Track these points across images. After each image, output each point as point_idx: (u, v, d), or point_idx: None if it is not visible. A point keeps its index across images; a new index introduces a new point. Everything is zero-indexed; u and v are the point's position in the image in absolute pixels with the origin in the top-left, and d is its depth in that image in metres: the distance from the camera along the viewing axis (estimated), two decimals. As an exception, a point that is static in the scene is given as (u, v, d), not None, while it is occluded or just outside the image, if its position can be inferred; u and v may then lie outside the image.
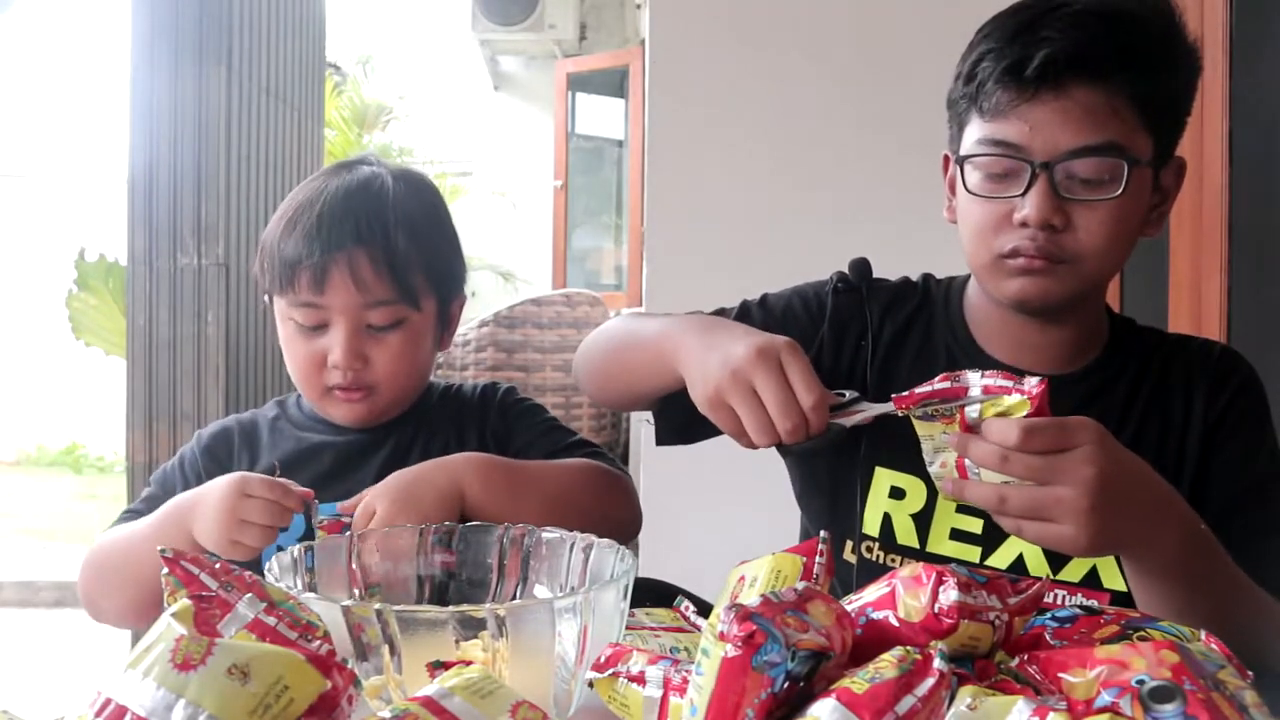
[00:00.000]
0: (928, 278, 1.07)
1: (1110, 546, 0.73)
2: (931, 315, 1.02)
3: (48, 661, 3.45)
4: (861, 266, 1.04)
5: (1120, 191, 0.84)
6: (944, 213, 0.99)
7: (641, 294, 2.43)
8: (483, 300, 5.21)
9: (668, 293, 2.13)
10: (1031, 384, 0.70)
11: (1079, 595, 0.90)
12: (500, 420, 1.12)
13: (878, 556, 0.95)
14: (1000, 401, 0.70)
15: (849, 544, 0.97)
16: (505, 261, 6.00)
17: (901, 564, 0.93)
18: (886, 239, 2.08)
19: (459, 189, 6.03)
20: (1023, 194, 0.85)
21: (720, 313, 1.07)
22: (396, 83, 6.57)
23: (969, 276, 1.02)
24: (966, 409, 0.72)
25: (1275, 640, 0.79)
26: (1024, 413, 0.69)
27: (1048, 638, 0.59)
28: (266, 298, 1.10)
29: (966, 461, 0.72)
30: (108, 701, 0.48)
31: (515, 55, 6.13)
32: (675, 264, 2.11)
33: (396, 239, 1.01)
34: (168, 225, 2.20)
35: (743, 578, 0.69)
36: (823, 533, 0.68)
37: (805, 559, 0.66)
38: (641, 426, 2.25)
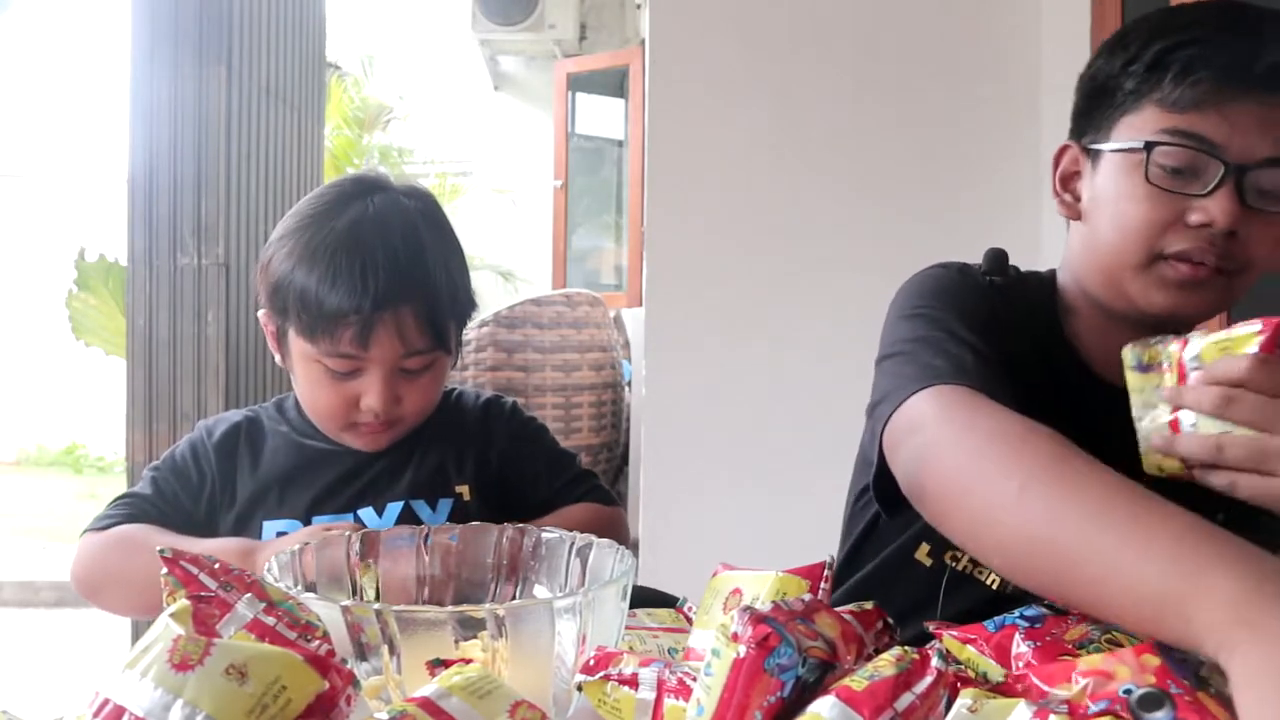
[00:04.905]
0: (1015, 268, 1.00)
1: None
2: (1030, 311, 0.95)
3: (48, 661, 3.45)
4: (1000, 257, 0.97)
5: None
6: (1058, 208, 0.94)
7: (641, 294, 2.43)
8: (483, 300, 5.16)
9: (668, 293, 2.13)
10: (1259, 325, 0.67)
11: None
12: (510, 444, 1.13)
13: (965, 567, 0.93)
14: (1229, 336, 0.67)
15: (925, 546, 0.95)
16: (505, 261, 6.00)
17: (988, 577, 0.92)
18: (887, 239, 2.08)
19: (459, 189, 6.03)
20: (1207, 193, 0.80)
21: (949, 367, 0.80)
22: (397, 83, 6.57)
23: (1053, 271, 0.97)
24: (1186, 357, 0.69)
25: None
26: (1251, 348, 0.66)
27: (1019, 638, 0.59)
28: (265, 313, 1.06)
29: (1181, 417, 0.69)
30: (105, 702, 0.47)
31: (515, 55, 6.13)
32: (675, 264, 2.12)
33: (436, 291, 1.01)
34: (168, 225, 2.20)
35: (737, 591, 0.68)
36: (828, 557, 0.68)
37: (810, 583, 0.66)
38: (642, 428, 2.25)
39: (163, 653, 0.48)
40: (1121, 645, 0.59)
